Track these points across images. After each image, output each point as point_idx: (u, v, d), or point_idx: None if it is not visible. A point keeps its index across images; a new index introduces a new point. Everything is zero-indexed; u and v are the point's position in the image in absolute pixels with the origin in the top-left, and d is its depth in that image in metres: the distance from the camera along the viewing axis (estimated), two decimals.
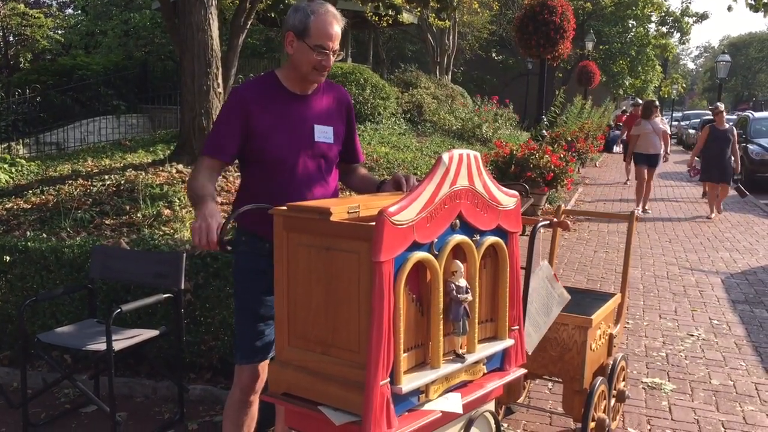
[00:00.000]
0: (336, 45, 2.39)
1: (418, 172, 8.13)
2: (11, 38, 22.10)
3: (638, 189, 10.95)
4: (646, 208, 10.92)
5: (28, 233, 4.70)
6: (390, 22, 16.36)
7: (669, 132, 11.10)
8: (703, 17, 36.47)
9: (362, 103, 12.18)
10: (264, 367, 2.51)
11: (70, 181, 6.51)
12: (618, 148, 17.23)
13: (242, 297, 2.51)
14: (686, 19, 34.77)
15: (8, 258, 4.00)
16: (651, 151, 10.75)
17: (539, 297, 2.92)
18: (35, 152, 11.05)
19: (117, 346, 3.18)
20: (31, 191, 6.25)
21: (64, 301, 3.93)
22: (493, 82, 30.53)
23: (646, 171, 10.75)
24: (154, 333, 3.47)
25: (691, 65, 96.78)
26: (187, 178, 2.40)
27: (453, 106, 16.22)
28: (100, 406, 3.25)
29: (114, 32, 19.43)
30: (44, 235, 4.59)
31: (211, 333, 3.76)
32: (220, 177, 6.30)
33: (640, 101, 15.00)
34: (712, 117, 11.89)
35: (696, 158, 11.30)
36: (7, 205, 5.84)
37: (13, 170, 7.48)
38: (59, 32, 23.20)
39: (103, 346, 3.14)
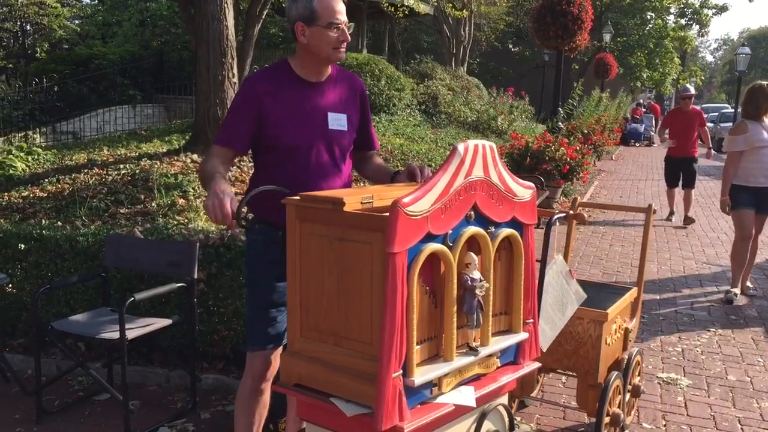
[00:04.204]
0: (345, 17, 2.39)
1: (433, 164, 8.09)
2: (28, 27, 22.27)
3: (739, 252, 5.81)
4: (748, 285, 6.06)
5: (44, 221, 4.72)
6: (406, 12, 16.27)
7: None
8: (722, 9, 36.08)
9: (377, 94, 12.13)
10: (276, 355, 2.51)
11: (85, 170, 6.55)
12: (658, 141, 11.29)
13: (254, 284, 2.50)
14: (705, 11, 34.41)
15: (23, 246, 4.02)
16: (763, 182, 5.65)
17: (554, 292, 2.89)
18: (52, 141, 11.13)
19: (130, 334, 3.19)
20: (47, 180, 6.29)
21: (78, 289, 3.95)
22: (509, 73, 30.35)
23: (753, 218, 5.72)
24: (167, 322, 3.48)
25: (709, 58, 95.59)
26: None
27: (468, 97, 16.13)
28: (113, 394, 3.27)
29: (130, 22, 19.52)
30: (59, 223, 4.61)
31: (224, 323, 3.76)
32: (235, 167, 6.30)
33: (692, 89, 9.47)
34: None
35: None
36: (23, 194, 5.88)
37: (30, 159, 7.53)
38: (76, 22, 23.36)
39: (116, 335, 3.15)
